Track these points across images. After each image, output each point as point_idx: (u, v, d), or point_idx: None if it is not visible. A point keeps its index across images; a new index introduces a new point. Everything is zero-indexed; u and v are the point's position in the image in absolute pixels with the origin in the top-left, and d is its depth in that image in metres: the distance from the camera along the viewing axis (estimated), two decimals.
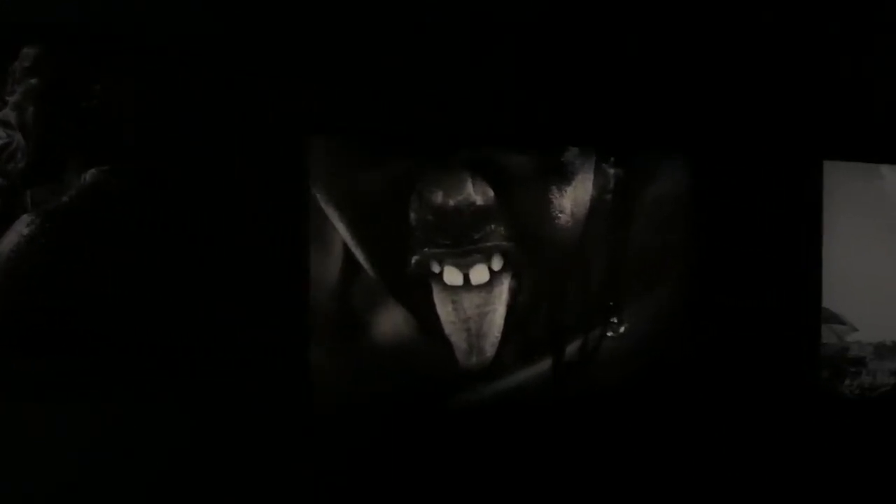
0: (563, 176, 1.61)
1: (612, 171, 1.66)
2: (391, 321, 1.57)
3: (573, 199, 1.62)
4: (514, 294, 1.60)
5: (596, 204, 1.63)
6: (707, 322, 1.73)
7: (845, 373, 1.88)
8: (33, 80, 1.42)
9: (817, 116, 1.84)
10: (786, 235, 1.80)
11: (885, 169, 1.90)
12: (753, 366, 1.79)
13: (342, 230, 1.52)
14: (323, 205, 1.52)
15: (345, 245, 1.53)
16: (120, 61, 1.45)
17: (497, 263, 1.57)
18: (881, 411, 1.91)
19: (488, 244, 1.56)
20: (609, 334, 1.67)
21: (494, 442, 1.64)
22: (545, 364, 1.64)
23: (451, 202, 1.54)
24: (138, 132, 1.46)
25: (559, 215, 1.61)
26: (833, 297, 1.83)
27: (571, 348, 1.65)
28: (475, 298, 1.57)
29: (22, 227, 1.41)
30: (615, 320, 1.67)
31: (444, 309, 1.57)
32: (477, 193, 1.55)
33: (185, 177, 1.49)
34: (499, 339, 1.59)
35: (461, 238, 1.55)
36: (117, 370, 1.45)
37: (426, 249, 1.55)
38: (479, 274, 1.57)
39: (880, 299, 1.89)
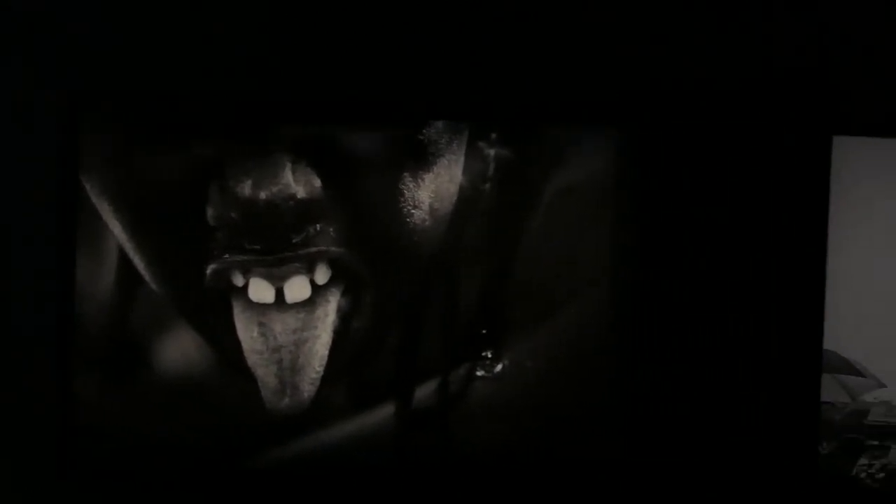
0: (421, 159, 1.29)
1: (491, 151, 1.32)
2: (180, 349, 1.31)
3: (434, 189, 1.30)
4: (344, 316, 1.30)
5: (467, 196, 1.31)
6: (635, 364, 1.34)
7: (860, 448, 1.40)
8: None
9: (822, 71, 1.38)
10: (767, 241, 1.37)
11: None
12: (707, 434, 1.37)
13: (118, 231, 1.28)
14: (94, 198, 1.28)
15: (121, 250, 1.29)
16: None
17: (322, 275, 1.29)
18: None
19: (311, 250, 1.27)
20: (479, 374, 1.33)
21: None
22: (386, 411, 1.33)
23: (263, 194, 1.26)
24: None
25: (413, 212, 1.29)
26: (845, 334, 1.38)
27: (424, 392, 1.33)
28: (290, 321, 1.29)
29: None
30: (488, 355, 1.34)
31: (247, 334, 1.29)
32: (298, 183, 1.26)
33: None
34: (321, 375, 1.30)
35: (275, 242, 1.26)
36: None
37: (227, 256, 1.27)
38: (298, 289, 1.28)
39: None
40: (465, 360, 1.34)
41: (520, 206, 1.33)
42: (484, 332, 1.34)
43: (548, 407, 1.35)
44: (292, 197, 1.28)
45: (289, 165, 1.28)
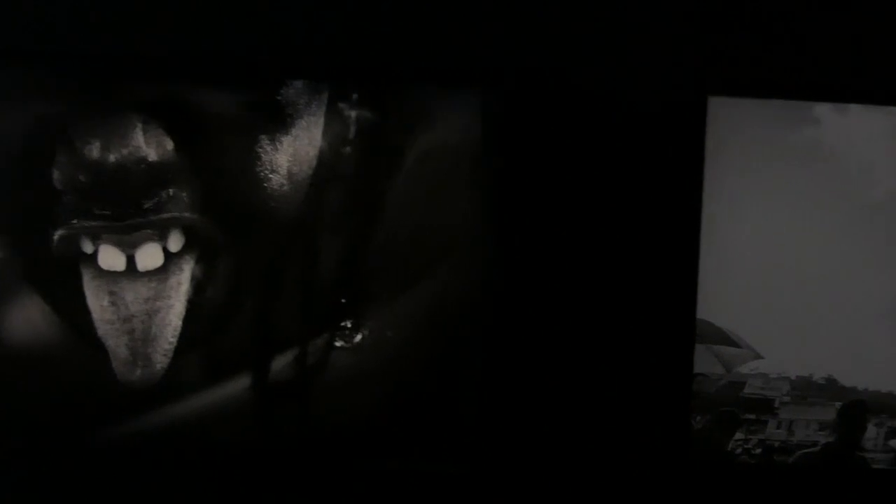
0: (279, 121, 1.25)
1: (353, 113, 1.28)
2: (26, 317, 1.28)
3: (292, 153, 1.26)
4: (199, 285, 1.28)
5: (327, 159, 1.27)
6: (499, 334, 1.32)
7: (736, 422, 1.39)
8: None
9: (695, 28, 1.34)
10: (639, 206, 1.35)
11: (820, 109, 1.34)
12: (575, 406, 1.36)
13: None
14: None
15: None
16: None
17: (175, 243, 1.26)
18: (796, 486, 1.41)
19: (164, 216, 1.24)
20: (338, 344, 1.32)
21: (164, 490, 1.35)
22: (243, 383, 1.31)
23: (113, 157, 1.21)
24: None
25: (270, 176, 1.26)
26: (719, 303, 1.35)
27: (281, 362, 1.31)
28: (142, 290, 1.26)
29: None
30: (348, 325, 1.32)
31: (97, 303, 1.26)
32: (150, 145, 1.22)
33: None
34: (174, 345, 1.28)
35: (125, 207, 1.23)
36: None
37: (75, 221, 1.24)
38: (149, 256, 1.25)
39: (803, 309, 1.38)
40: (323, 331, 1.32)
41: (382, 171, 1.29)
42: (343, 301, 1.32)
43: (408, 377, 1.33)
44: (143, 160, 1.23)
45: (139, 126, 1.23)
